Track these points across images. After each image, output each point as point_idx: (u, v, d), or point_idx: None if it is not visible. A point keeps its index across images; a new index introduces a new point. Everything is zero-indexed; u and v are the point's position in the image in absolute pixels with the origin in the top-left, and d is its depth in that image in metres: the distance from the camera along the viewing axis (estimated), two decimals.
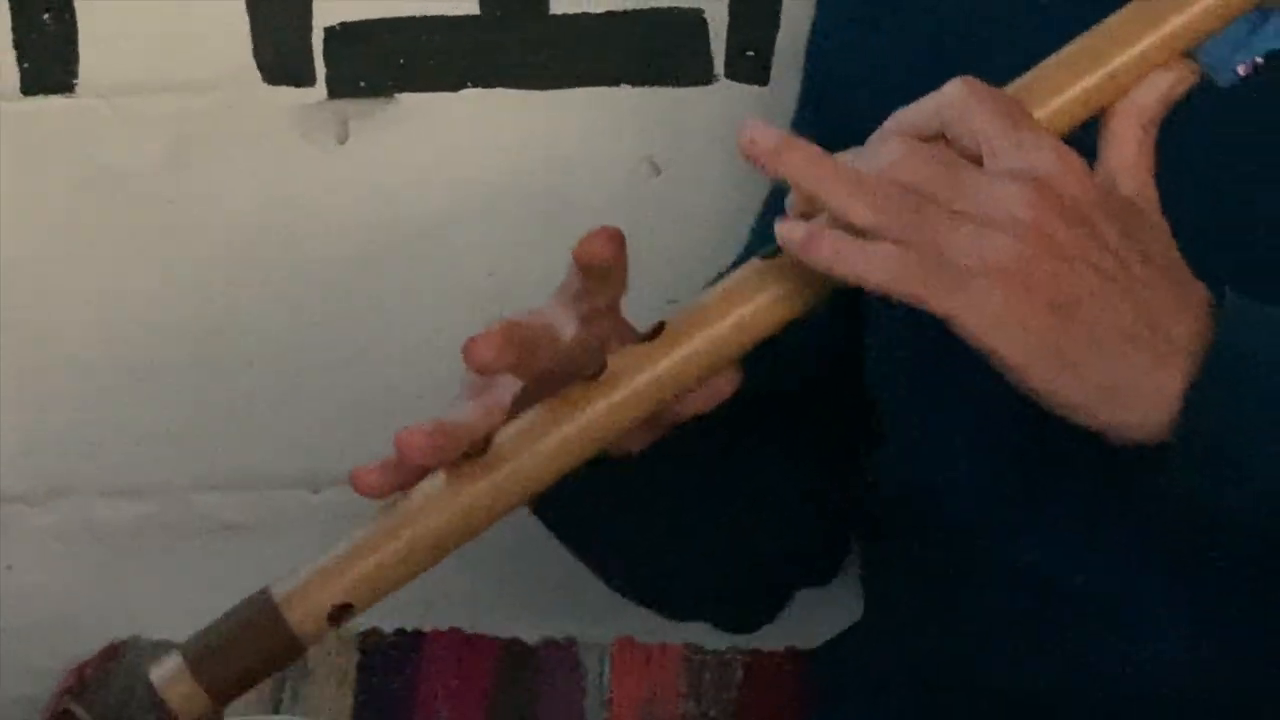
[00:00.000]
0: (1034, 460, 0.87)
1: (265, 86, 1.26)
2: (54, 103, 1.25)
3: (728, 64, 1.24)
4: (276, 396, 1.29)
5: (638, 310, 0.83)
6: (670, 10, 1.23)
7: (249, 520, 1.28)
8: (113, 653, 1.31)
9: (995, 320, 0.67)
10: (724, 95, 1.24)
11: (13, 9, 1.22)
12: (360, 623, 1.22)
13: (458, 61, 1.26)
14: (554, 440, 0.72)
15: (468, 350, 0.69)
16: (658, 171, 1.23)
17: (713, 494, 0.91)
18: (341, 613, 0.73)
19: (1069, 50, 0.74)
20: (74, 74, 1.24)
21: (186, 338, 1.29)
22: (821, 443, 1.00)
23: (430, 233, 1.28)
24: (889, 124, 0.71)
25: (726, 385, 0.76)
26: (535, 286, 1.31)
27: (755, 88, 1.24)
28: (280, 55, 1.26)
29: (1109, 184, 0.72)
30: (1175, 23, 0.73)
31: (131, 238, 1.28)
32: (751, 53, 1.23)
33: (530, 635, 1.28)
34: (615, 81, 1.23)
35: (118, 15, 1.24)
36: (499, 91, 1.26)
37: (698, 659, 1.27)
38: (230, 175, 1.27)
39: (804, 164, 0.70)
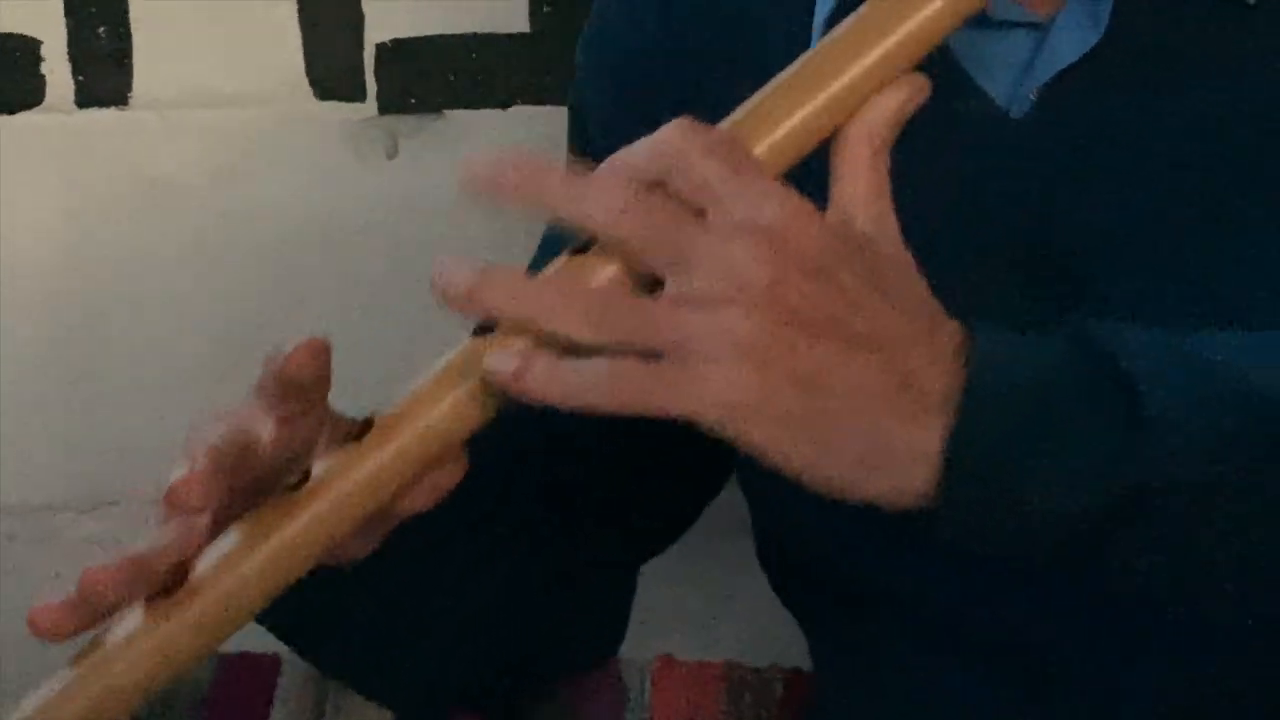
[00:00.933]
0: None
1: (317, 102, 1.28)
2: (107, 115, 1.26)
3: None
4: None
5: None
6: None
7: None
8: None
9: (736, 407, 0.61)
10: None
11: (69, 22, 1.25)
12: None
13: (507, 79, 1.28)
14: (256, 563, 0.64)
15: (171, 494, 0.63)
16: None
17: (449, 592, 0.84)
18: None
19: (789, 73, 0.67)
20: (128, 87, 1.26)
21: (235, 349, 1.28)
22: (606, 524, 0.92)
23: (478, 250, 1.25)
24: (605, 169, 0.63)
25: (448, 479, 0.68)
26: None
27: None
28: (332, 71, 1.28)
29: (844, 220, 0.66)
30: (899, 33, 0.67)
31: (182, 250, 1.29)
32: None
33: None
34: None
35: (172, 30, 1.26)
36: (548, 109, 1.27)
37: (738, 676, 1.23)
38: (281, 190, 1.29)
39: (505, 297, 0.62)
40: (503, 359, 0.62)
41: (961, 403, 0.63)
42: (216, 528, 0.64)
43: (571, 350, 0.61)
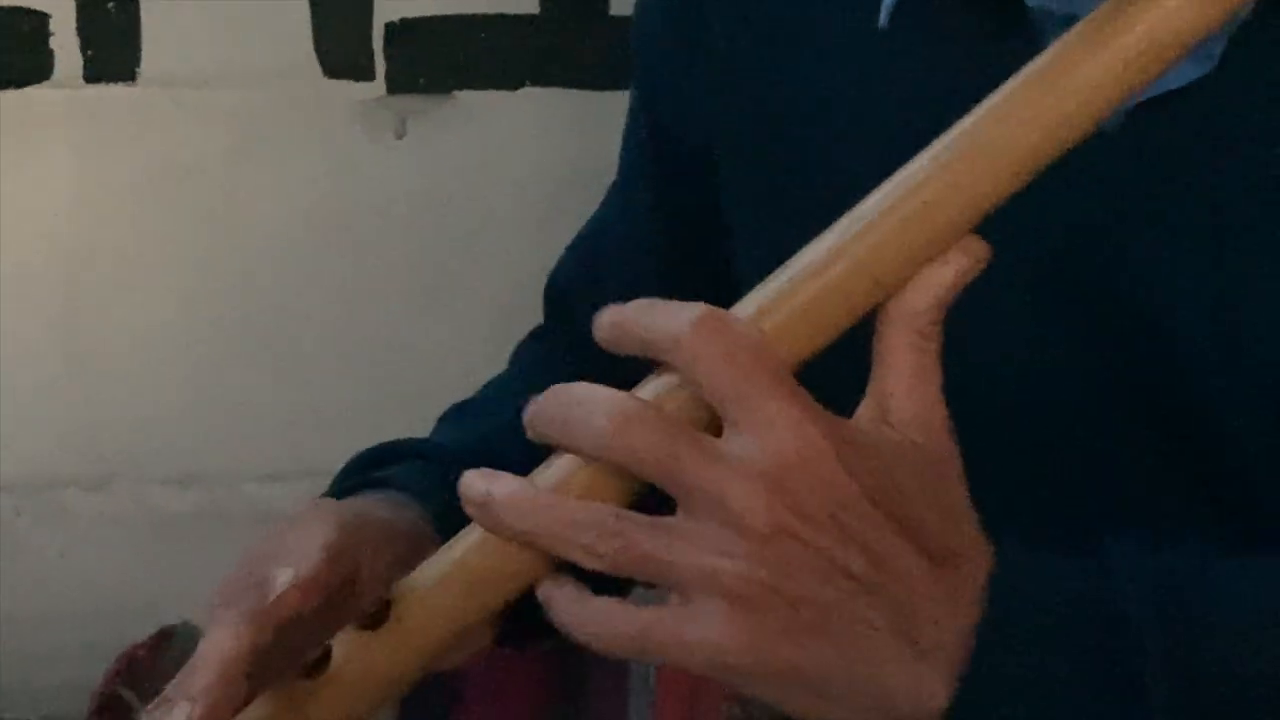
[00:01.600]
0: None
1: (325, 80, 1.28)
2: (116, 91, 1.27)
3: None
4: (331, 387, 1.29)
5: None
6: None
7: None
8: (164, 638, 1.30)
9: (728, 657, 0.57)
10: None
11: None
12: None
13: (517, 60, 1.28)
14: None
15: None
16: None
17: None
18: None
19: (822, 248, 0.60)
20: (136, 63, 1.26)
21: (243, 328, 1.30)
22: None
23: (486, 230, 1.29)
24: (622, 333, 0.60)
25: (479, 641, 0.67)
26: None
27: None
28: (341, 50, 1.28)
29: (877, 414, 0.60)
30: (946, 207, 0.59)
31: (191, 227, 1.30)
32: None
33: None
34: None
35: (180, 6, 1.26)
36: (557, 91, 1.28)
37: None
38: (289, 168, 1.29)
39: (513, 515, 0.59)
40: (545, 586, 0.59)
41: (964, 676, 0.59)
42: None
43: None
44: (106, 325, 1.29)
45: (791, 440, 0.56)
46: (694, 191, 0.78)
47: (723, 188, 0.82)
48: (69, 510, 1.32)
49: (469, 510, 0.59)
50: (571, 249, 0.96)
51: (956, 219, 0.59)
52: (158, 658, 1.30)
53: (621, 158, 0.95)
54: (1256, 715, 0.61)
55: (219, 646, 0.62)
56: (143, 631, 1.30)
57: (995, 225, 0.65)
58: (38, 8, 1.26)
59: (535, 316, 1.10)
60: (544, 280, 1.19)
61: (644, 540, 0.57)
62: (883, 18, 0.75)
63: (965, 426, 0.60)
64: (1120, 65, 0.60)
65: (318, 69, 1.28)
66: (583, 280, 0.93)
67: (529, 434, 0.60)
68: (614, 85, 1.27)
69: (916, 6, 0.74)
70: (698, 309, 0.58)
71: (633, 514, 0.57)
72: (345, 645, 0.63)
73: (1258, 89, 0.73)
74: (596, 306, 0.74)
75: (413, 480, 0.78)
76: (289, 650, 0.64)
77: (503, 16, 1.28)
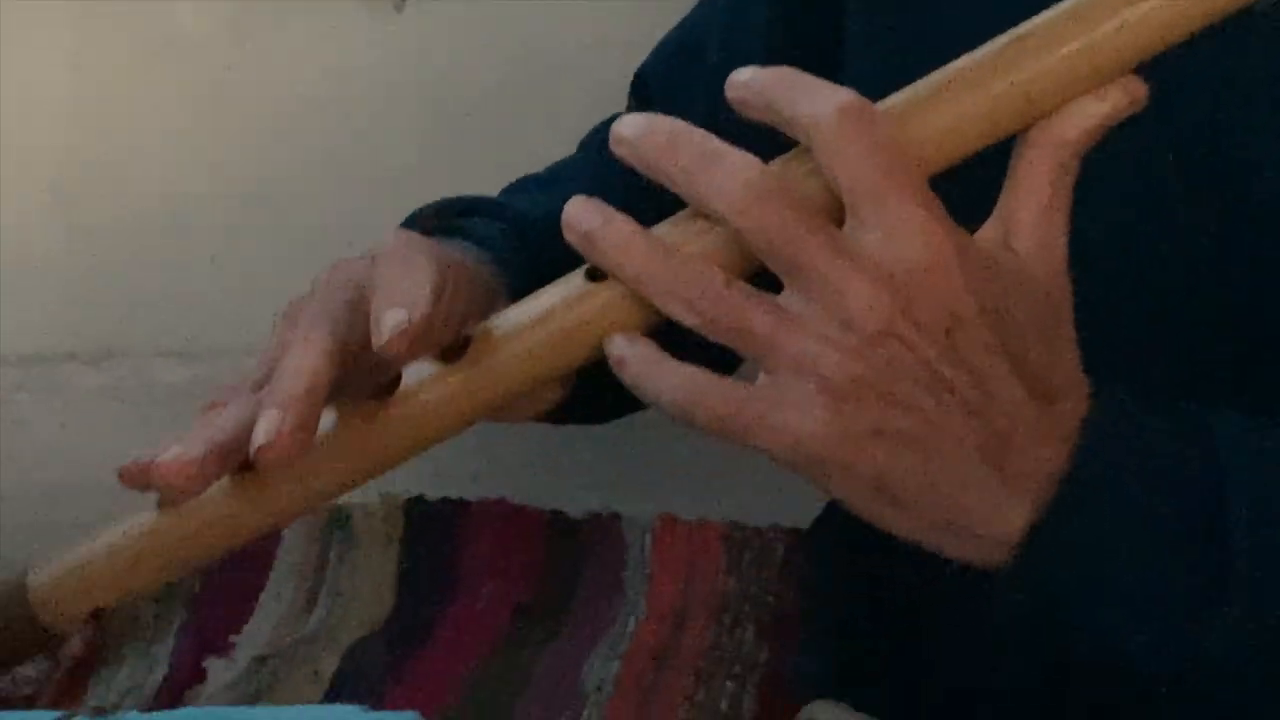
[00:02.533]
0: None
1: None
2: None
3: None
4: (331, 258, 1.28)
5: None
6: None
7: None
8: None
9: (810, 448, 0.57)
10: None
11: None
12: (407, 490, 1.22)
13: None
14: (339, 464, 0.66)
15: (158, 472, 0.65)
16: None
17: None
18: (98, 613, 0.71)
19: (981, 55, 0.59)
20: None
21: (241, 203, 1.29)
22: None
23: (486, 105, 1.27)
24: (755, 99, 0.58)
25: (550, 396, 0.70)
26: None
27: None
28: None
29: (1000, 238, 0.59)
30: (1114, 27, 0.57)
31: (190, 101, 1.28)
32: None
33: (574, 509, 1.26)
34: None
35: None
36: None
37: (739, 536, 1.23)
38: (289, 42, 1.27)
39: (618, 254, 0.59)
40: (617, 343, 0.59)
41: (1048, 506, 0.58)
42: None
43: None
44: (105, 198, 1.27)
45: (920, 247, 0.56)
46: (815, 17, 0.74)
47: (849, 25, 0.79)
48: (67, 385, 1.31)
49: (571, 238, 0.59)
50: (664, 44, 0.93)
51: (1123, 54, 0.57)
52: None
53: None
54: None
55: (312, 365, 0.64)
56: (144, 503, 1.30)
57: (1134, 137, 0.64)
58: None
59: None
60: (551, 154, 1.18)
61: (751, 309, 0.56)
62: None
63: (1080, 307, 0.60)
64: None
65: None
66: (674, 75, 0.90)
67: (621, 151, 0.58)
68: None
69: None
70: (846, 95, 0.56)
71: (743, 283, 0.57)
72: (418, 374, 0.65)
73: None
74: (683, 103, 0.73)
75: (492, 238, 0.78)
76: (366, 376, 0.66)
77: None
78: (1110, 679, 0.63)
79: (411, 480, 1.25)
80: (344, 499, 1.25)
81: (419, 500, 1.25)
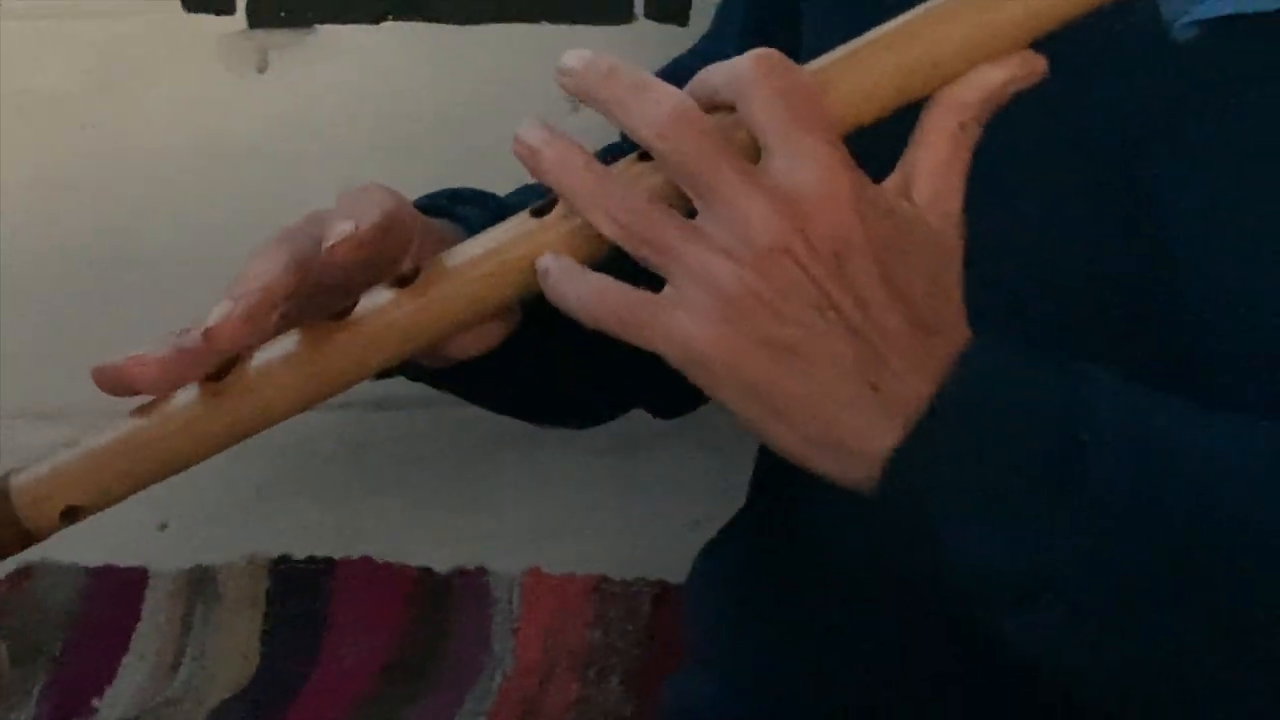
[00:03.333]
0: None
1: (185, 14, 1.25)
2: None
3: (647, 4, 1.25)
4: (189, 320, 1.27)
5: None
6: None
7: None
8: (23, 575, 1.29)
9: (699, 355, 0.62)
10: (643, 34, 1.24)
11: None
12: (273, 549, 1.25)
13: None
14: (295, 378, 0.70)
15: (208, 335, 0.68)
16: (576, 108, 1.22)
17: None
18: (74, 512, 0.73)
19: (893, 25, 0.65)
20: None
21: (103, 260, 1.28)
22: None
23: (348, 164, 1.26)
24: (692, 82, 0.64)
25: (495, 331, 0.73)
26: None
27: (674, 28, 1.24)
28: None
29: (902, 185, 0.64)
30: (1015, 7, 0.64)
31: (51, 160, 1.27)
32: None
33: (442, 564, 1.27)
34: (536, 18, 1.23)
35: None
36: (420, 25, 1.26)
37: (606, 590, 1.26)
38: (150, 101, 1.27)
39: (557, 167, 0.64)
40: (544, 260, 0.64)
41: (917, 425, 0.62)
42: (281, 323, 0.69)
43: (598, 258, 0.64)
44: None
45: (819, 176, 0.60)
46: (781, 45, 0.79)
47: (804, 48, 0.84)
48: None
49: (518, 151, 0.64)
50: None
51: (1022, 28, 0.64)
52: (18, 593, 1.27)
53: (717, 15, 1.01)
54: (1198, 549, 0.62)
55: (266, 270, 0.69)
56: (3, 569, 1.29)
57: (1056, 113, 0.72)
58: None
59: None
60: None
61: (662, 222, 0.62)
62: None
63: (977, 290, 0.64)
64: None
65: (178, 2, 1.25)
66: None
67: (565, 81, 0.64)
68: (477, 19, 1.26)
69: None
70: (761, 50, 0.62)
71: (663, 204, 0.63)
72: (371, 298, 0.69)
73: None
74: None
75: (471, 219, 0.82)
76: (324, 302, 0.70)
77: None
78: (978, 603, 0.65)
79: (278, 538, 1.27)
80: (208, 560, 1.27)
81: (284, 559, 1.26)
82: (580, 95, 0.65)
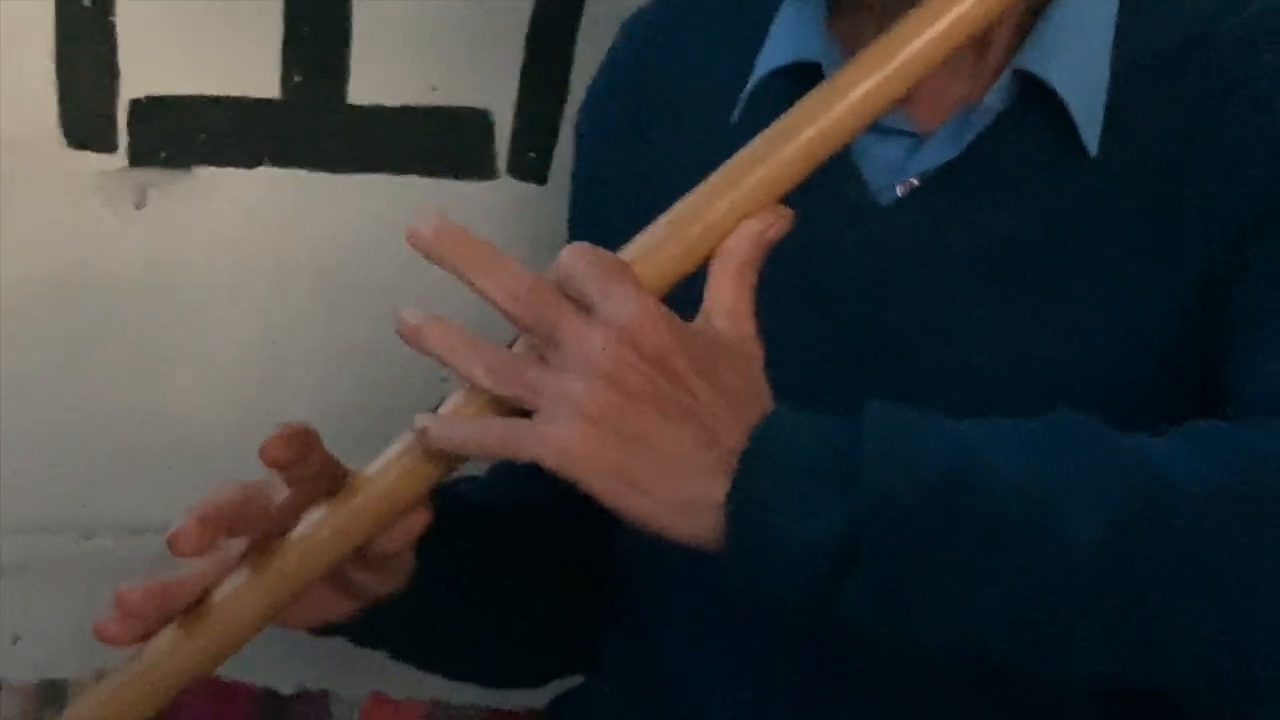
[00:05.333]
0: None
1: (69, 151, 1.27)
2: None
3: (510, 162, 1.29)
4: (53, 444, 1.29)
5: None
6: (460, 109, 1.28)
7: (21, 561, 1.25)
8: None
9: (568, 453, 0.73)
10: (505, 191, 1.29)
11: None
12: (118, 661, 1.23)
13: (255, 141, 1.29)
14: (253, 595, 0.79)
15: (170, 541, 0.77)
16: None
17: (490, 602, 0.99)
18: None
19: (679, 205, 0.79)
20: None
21: None
22: (578, 539, 1.05)
23: (218, 300, 1.29)
24: (549, 270, 0.77)
25: (416, 524, 0.82)
26: (315, 356, 1.32)
27: (535, 186, 1.29)
28: (85, 121, 1.27)
29: (705, 321, 0.78)
30: (758, 176, 0.79)
31: None
32: (533, 154, 1.29)
33: (286, 685, 1.28)
34: (404, 171, 1.28)
35: None
36: (293, 172, 1.29)
37: (441, 714, 1.29)
38: (28, 233, 1.27)
39: (436, 338, 0.76)
40: (421, 418, 0.76)
41: (741, 460, 0.74)
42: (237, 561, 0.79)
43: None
44: None
45: (637, 307, 0.74)
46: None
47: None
48: None
49: (401, 331, 0.76)
50: None
51: (768, 191, 0.79)
52: None
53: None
54: (961, 512, 0.73)
55: (217, 493, 0.78)
56: None
57: (801, 274, 0.90)
58: None
59: (261, 378, 1.11)
60: (273, 349, 1.21)
61: (526, 368, 0.75)
62: (737, 110, 0.98)
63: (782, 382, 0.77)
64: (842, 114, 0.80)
65: (61, 139, 1.27)
66: None
67: (416, 242, 0.76)
68: (347, 169, 1.29)
69: (761, 104, 0.93)
70: (575, 242, 0.76)
71: (521, 353, 0.75)
72: (309, 514, 0.79)
73: (992, 169, 0.92)
74: None
75: None
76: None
77: (244, 99, 1.28)
78: (813, 581, 0.74)
79: (129, 653, 1.28)
80: (58, 674, 1.26)
81: None
82: (431, 257, 0.76)
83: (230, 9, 1.27)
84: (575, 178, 1.13)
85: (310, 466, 0.79)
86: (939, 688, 0.89)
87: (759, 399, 0.77)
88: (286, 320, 1.26)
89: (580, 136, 1.13)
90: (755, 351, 0.78)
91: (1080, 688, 0.86)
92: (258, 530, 0.79)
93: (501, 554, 1.01)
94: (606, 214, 1.05)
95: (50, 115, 1.26)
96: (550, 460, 0.73)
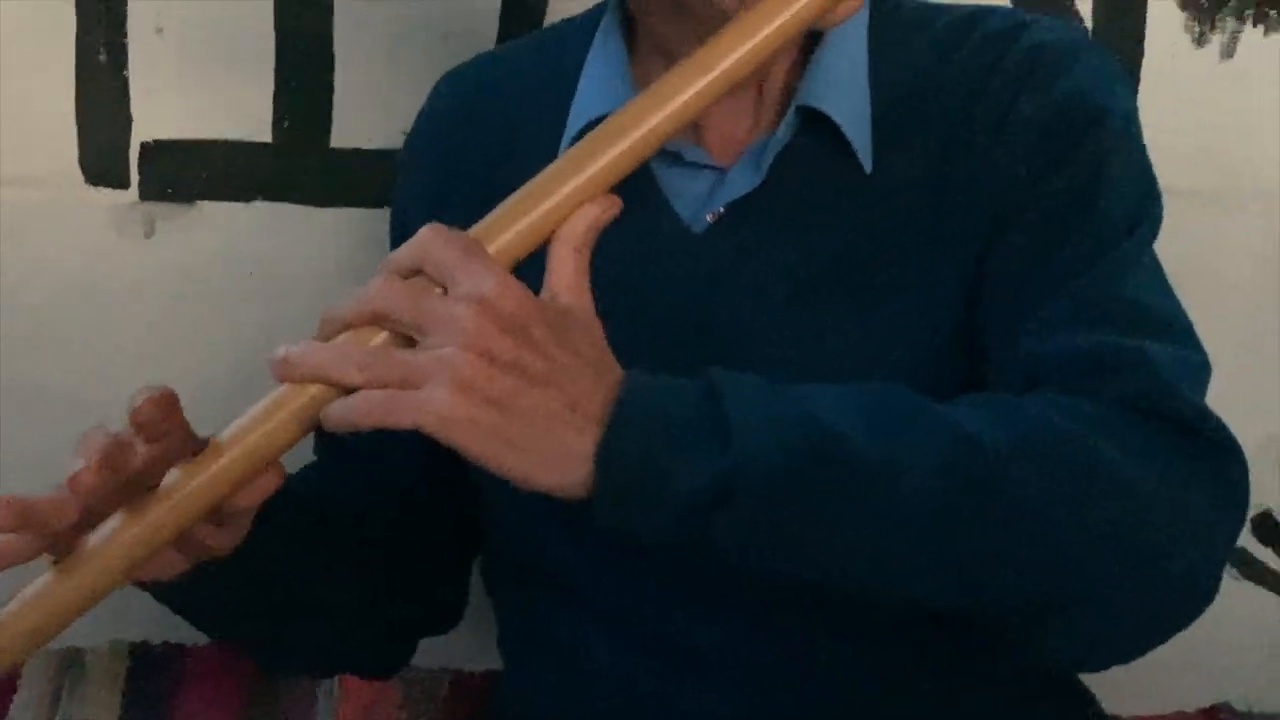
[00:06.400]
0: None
1: (86, 187, 1.32)
2: None
3: None
4: (66, 442, 1.22)
5: None
6: None
7: None
8: None
9: (448, 419, 0.73)
10: None
11: None
12: (134, 634, 1.29)
13: (251, 179, 1.34)
14: (120, 546, 0.76)
15: (72, 480, 0.73)
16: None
17: (329, 572, 0.98)
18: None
19: (520, 192, 0.81)
20: None
21: (10, 391, 1.31)
22: (435, 522, 1.07)
23: (216, 317, 1.34)
24: (385, 261, 0.77)
25: (269, 483, 0.79)
26: None
27: None
28: (101, 162, 1.32)
29: (550, 297, 0.78)
30: (595, 168, 0.80)
31: None
32: None
33: None
34: (380, 204, 1.28)
35: None
36: (284, 205, 1.34)
37: (410, 676, 1.32)
38: (52, 259, 1.32)
39: (307, 364, 0.75)
40: (330, 409, 0.75)
41: (611, 416, 0.76)
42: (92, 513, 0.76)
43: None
44: None
45: (495, 281, 0.75)
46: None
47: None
48: None
49: (274, 369, 0.75)
50: None
51: (602, 181, 0.80)
52: None
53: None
54: (811, 449, 0.77)
55: (95, 439, 0.76)
56: None
57: (633, 293, 0.93)
58: None
59: (250, 380, 1.07)
60: (258, 357, 1.18)
61: (398, 355, 0.74)
62: (559, 154, 0.92)
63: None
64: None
65: (79, 176, 1.32)
66: None
67: (279, 373, 0.75)
68: (330, 203, 1.34)
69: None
70: (429, 224, 0.76)
71: (385, 345, 0.75)
72: (174, 471, 0.77)
73: (790, 193, 0.96)
74: None
75: None
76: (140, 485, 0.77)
77: (241, 143, 1.33)
78: (685, 520, 0.77)
79: (139, 625, 1.31)
80: (77, 643, 1.29)
81: (143, 644, 1.30)
82: (302, 377, 0.75)
83: (228, 65, 1.32)
84: (394, 205, 1.13)
85: (172, 428, 0.76)
86: (833, 636, 0.92)
87: (610, 365, 0.78)
88: (274, 332, 1.23)
89: (401, 168, 1.13)
90: (597, 323, 0.79)
91: (917, 608, 0.85)
92: (127, 480, 0.76)
93: (329, 535, 0.98)
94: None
95: (71, 156, 1.32)
96: (430, 426, 0.73)
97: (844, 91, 0.96)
